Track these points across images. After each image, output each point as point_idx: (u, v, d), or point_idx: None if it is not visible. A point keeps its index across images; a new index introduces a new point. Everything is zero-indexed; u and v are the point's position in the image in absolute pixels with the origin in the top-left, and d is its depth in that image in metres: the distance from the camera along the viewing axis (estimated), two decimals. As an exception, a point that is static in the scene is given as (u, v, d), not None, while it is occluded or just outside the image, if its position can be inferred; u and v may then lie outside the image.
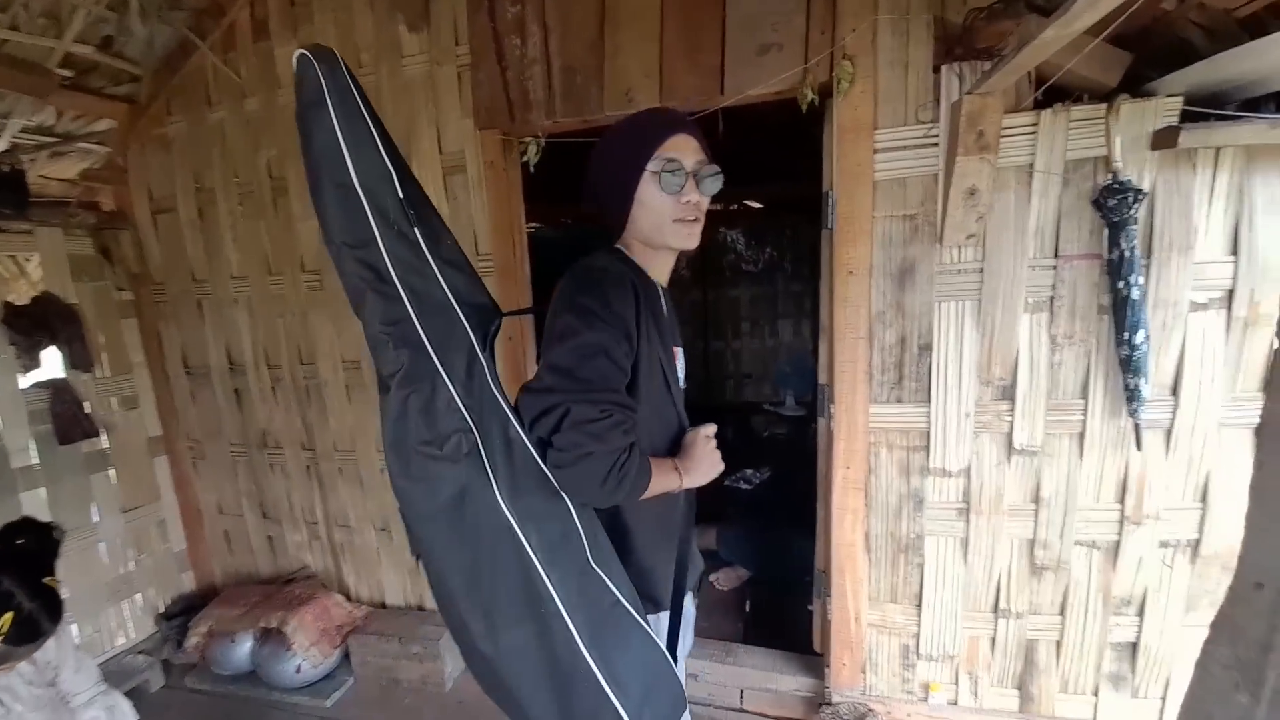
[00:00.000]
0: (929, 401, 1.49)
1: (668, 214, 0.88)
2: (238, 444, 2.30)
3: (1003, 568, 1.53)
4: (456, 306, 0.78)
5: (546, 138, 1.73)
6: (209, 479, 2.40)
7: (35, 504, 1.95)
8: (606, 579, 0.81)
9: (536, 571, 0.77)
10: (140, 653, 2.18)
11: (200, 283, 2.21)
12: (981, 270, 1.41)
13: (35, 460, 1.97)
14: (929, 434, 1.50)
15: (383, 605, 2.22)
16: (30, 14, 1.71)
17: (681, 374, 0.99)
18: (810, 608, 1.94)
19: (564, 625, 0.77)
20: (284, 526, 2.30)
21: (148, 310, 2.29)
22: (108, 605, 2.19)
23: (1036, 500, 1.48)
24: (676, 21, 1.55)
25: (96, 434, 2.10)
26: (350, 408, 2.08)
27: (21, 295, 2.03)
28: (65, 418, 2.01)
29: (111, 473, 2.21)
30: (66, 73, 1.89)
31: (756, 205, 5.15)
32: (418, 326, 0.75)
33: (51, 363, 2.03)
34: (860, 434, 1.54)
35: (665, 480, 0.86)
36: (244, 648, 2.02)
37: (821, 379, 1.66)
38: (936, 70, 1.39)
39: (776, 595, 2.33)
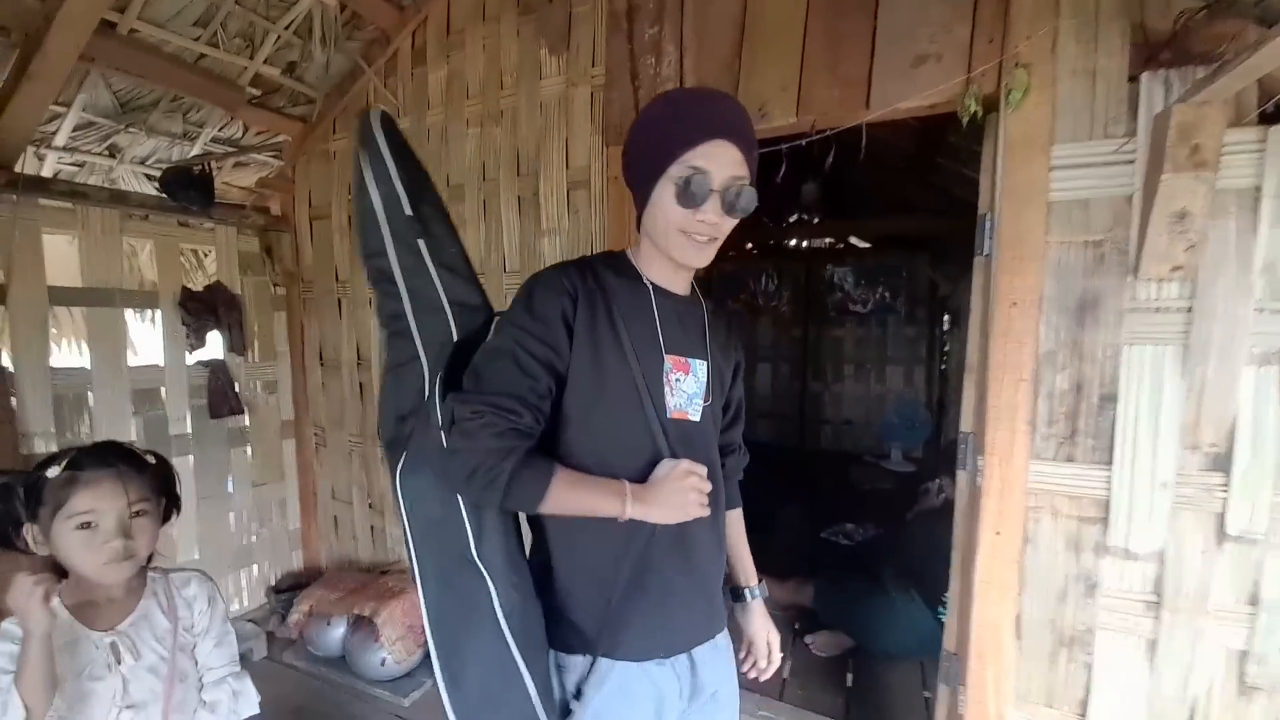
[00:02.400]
0: (1110, 464, 1.24)
1: (675, 224, 0.81)
2: (355, 435, 2.43)
3: (1202, 683, 1.21)
4: (448, 306, 0.88)
5: (674, 153, 1.70)
6: (327, 465, 2.56)
7: (184, 470, 2.16)
8: (487, 576, 0.81)
9: (409, 543, 0.85)
10: (250, 621, 2.32)
11: (343, 283, 2.40)
12: (1190, 310, 1.17)
13: (189, 430, 2.20)
14: (1108, 504, 1.25)
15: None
16: (227, 33, 1.97)
17: (695, 391, 0.88)
18: (928, 694, 1.67)
19: (420, 597, 0.84)
20: (386, 519, 2.38)
21: (296, 305, 2.53)
22: (229, 572, 2.37)
23: (1254, 601, 1.16)
24: (820, 35, 1.48)
25: (241, 412, 2.32)
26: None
27: (196, 284, 2.30)
28: (218, 394, 2.23)
29: (248, 449, 2.42)
30: (255, 91, 2.15)
31: (863, 245, 4.89)
32: (412, 324, 0.87)
33: (214, 344, 2.27)
34: (1017, 494, 1.31)
35: (595, 501, 0.78)
36: (337, 632, 2.08)
37: (965, 426, 1.45)
38: (1133, 79, 1.19)
39: (883, 669, 2.05)
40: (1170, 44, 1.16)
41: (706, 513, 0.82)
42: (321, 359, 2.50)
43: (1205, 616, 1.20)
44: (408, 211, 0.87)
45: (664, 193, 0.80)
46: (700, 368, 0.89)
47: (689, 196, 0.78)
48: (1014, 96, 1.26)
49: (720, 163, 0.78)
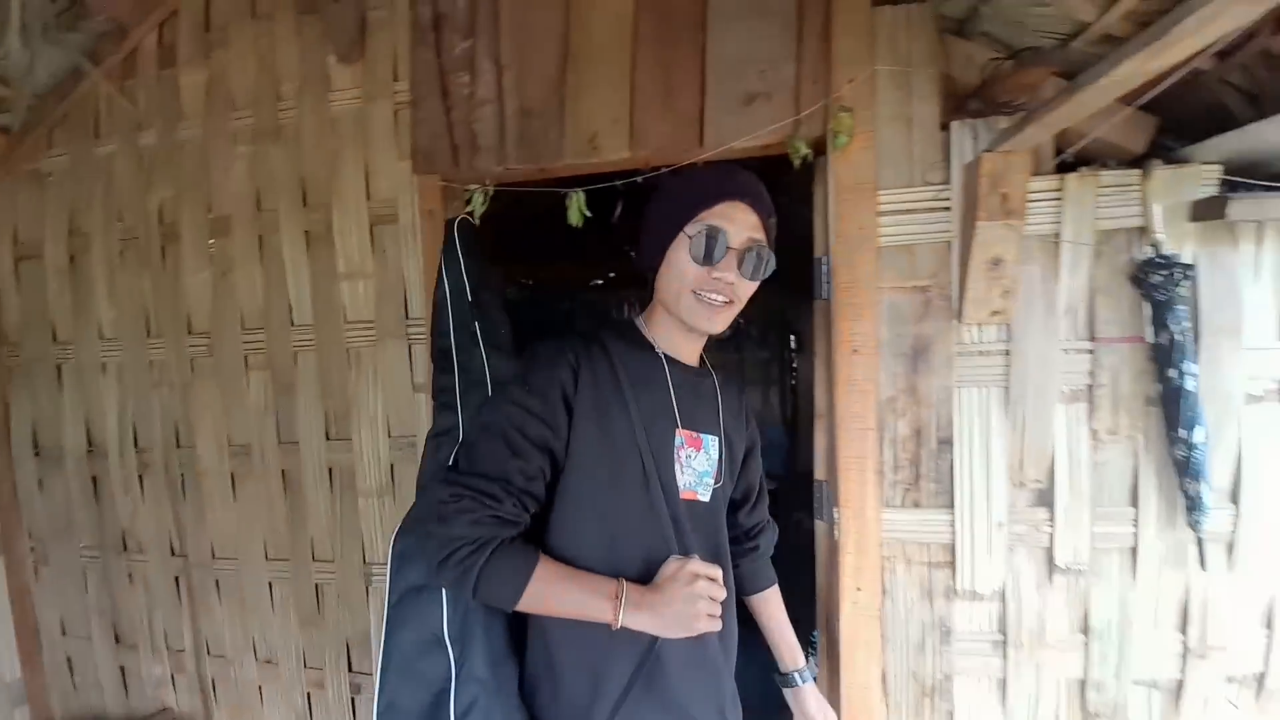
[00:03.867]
0: (952, 507, 1.24)
1: (689, 283, 0.79)
2: (90, 547, 1.81)
3: (1049, 715, 1.24)
4: (489, 381, 1.01)
5: (496, 185, 1.48)
6: (52, 591, 1.89)
7: None
8: (452, 663, 0.76)
9: (386, 602, 0.84)
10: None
11: (62, 344, 1.80)
12: (1008, 352, 1.20)
13: None
14: (954, 548, 1.24)
15: (264, 760, 1.72)
16: None
17: (707, 469, 0.84)
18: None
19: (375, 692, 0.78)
20: (141, 654, 1.79)
21: (-6, 376, 1.85)
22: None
23: (1086, 630, 1.21)
24: (649, 63, 1.36)
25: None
26: (235, 504, 1.66)
27: None
28: None
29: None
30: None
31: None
32: (458, 395, 1.01)
33: None
34: (872, 546, 1.26)
35: (581, 603, 0.71)
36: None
37: (819, 474, 1.39)
38: (945, 127, 1.22)
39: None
40: (977, 94, 1.20)
41: (717, 626, 0.74)
42: (36, 447, 1.85)
43: (1045, 649, 1.22)
44: (469, 299, 1.07)
45: (679, 251, 0.79)
46: (713, 444, 0.86)
47: (706, 253, 0.77)
48: (840, 140, 1.23)
49: (738, 224, 0.79)
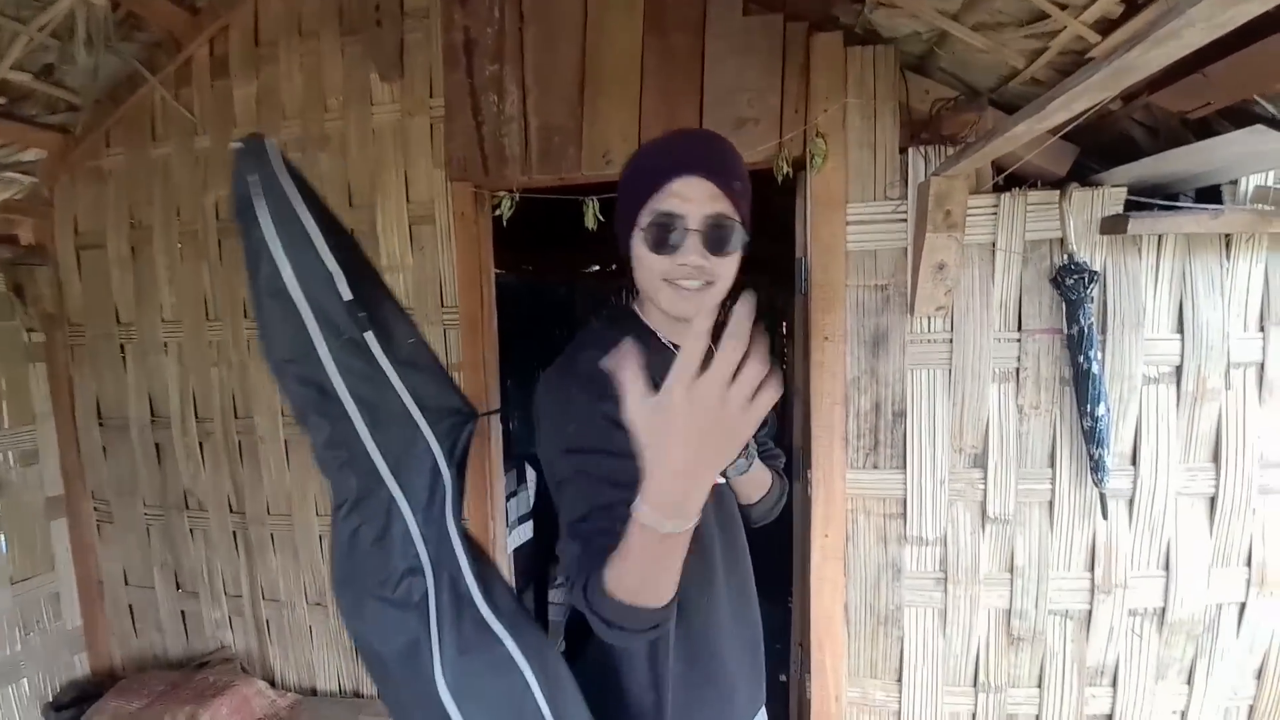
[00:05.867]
0: (905, 468, 1.49)
1: (659, 274, 0.73)
2: (154, 506, 2.05)
3: (981, 639, 1.50)
4: (418, 414, 0.68)
5: (521, 193, 1.70)
6: (116, 546, 2.12)
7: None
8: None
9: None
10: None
11: (125, 326, 2.01)
12: (951, 340, 1.45)
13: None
14: (905, 501, 1.49)
15: (313, 691, 1.97)
16: (-41, 37, 1.57)
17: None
18: (783, 677, 1.85)
19: None
20: (201, 600, 2.04)
21: (60, 354, 2.06)
22: (-20, 698, 1.86)
23: (1011, 569, 1.47)
24: (655, 91, 1.58)
25: (-19, 496, 1.83)
26: (289, 468, 1.90)
27: (-94, 336, 1.78)
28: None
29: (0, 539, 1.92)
30: (-3, 99, 1.74)
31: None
32: (370, 445, 0.66)
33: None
34: (838, 500, 1.52)
35: (638, 561, 0.55)
36: (142, 750, 1.74)
37: (797, 442, 1.64)
38: (903, 151, 1.45)
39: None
40: (928, 126, 1.43)
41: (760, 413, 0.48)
42: (101, 418, 2.07)
43: (978, 585, 1.48)
44: (345, 295, 0.64)
45: (640, 245, 0.73)
46: None
47: (662, 242, 0.70)
48: (817, 161, 1.46)
49: (693, 201, 0.70)
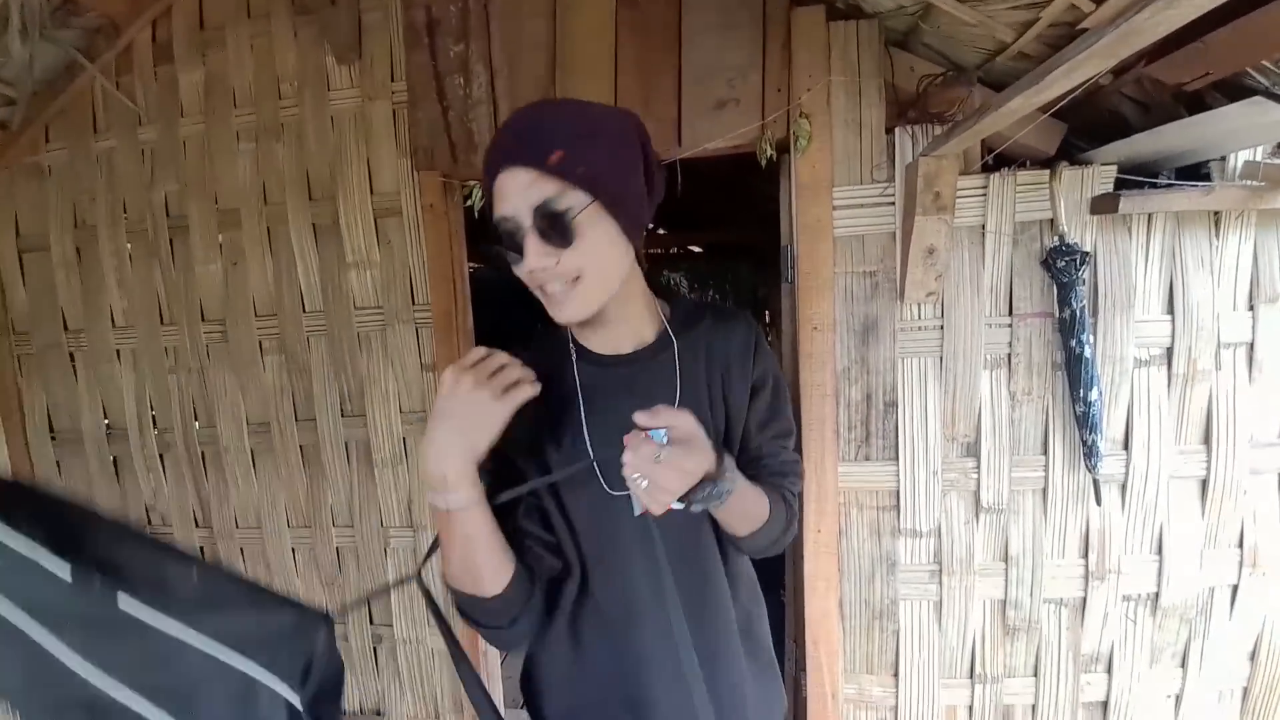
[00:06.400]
0: (897, 460, 1.45)
1: (530, 282, 0.68)
2: (113, 523, 1.93)
3: (976, 630, 1.48)
4: (241, 665, 0.57)
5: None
6: (74, 565, 2.01)
7: None
8: None
9: None
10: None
11: (74, 333, 1.88)
12: (942, 327, 1.41)
13: None
14: (899, 493, 1.46)
15: (291, 708, 1.89)
16: None
17: None
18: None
19: None
20: (169, 620, 1.94)
21: (6, 365, 1.93)
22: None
23: (1005, 559, 1.45)
24: (631, 69, 1.50)
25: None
26: (256, 478, 1.80)
27: None
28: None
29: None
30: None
31: (697, 250, 5.25)
32: None
33: None
34: (830, 494, 1.47)
35: (444, 540, 0.66)
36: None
37: (785, 436, 1.59)
38: (890, 132, 1.40)
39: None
40: (916, 104, 1.37)
41: (528, 390, 0.66)
42: (53, 432, 1.95)
43: (972, 575, 1.46)
44: (65, 577, 0.54)
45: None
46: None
47: (514, 250, 0.64)
48: (801, 143, 1.40)
49: (517, 196, 0.62)
